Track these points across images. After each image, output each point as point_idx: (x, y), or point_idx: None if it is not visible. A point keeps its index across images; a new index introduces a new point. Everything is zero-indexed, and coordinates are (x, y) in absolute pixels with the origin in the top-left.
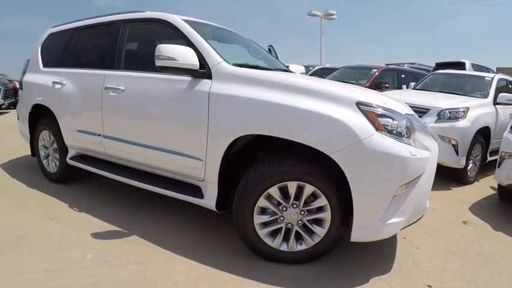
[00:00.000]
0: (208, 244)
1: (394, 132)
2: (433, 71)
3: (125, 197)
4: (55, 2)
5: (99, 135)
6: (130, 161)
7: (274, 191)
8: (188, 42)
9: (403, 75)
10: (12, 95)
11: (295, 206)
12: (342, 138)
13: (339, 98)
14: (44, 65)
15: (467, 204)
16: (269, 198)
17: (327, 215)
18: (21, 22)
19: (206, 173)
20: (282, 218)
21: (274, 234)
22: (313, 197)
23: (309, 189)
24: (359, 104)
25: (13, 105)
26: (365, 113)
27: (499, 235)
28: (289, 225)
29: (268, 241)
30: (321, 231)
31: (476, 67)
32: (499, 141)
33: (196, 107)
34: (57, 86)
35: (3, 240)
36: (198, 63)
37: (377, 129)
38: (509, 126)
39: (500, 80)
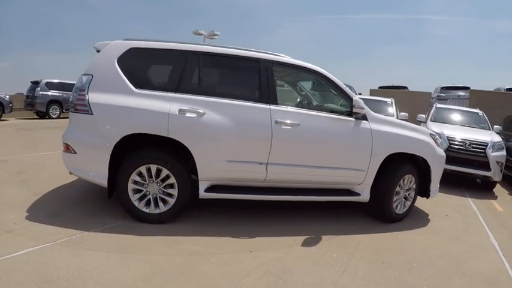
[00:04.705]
0: (343, 224)
1: (439, 144)
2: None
3: (234, 215)
4: None
5: (260, 163)
6: (293, 181)
7: (400, 181)
8: (345, 94)
9: None
10: None
11: (403, 187)
12: (429, 150)
13: (424, 131)
14: (137, 87)
15: None
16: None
17: (413, 190)
18: None
19: (365, 179)
20: (399, 195)
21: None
22: (410, 181)
23: (411, 177)
24: (430, 134)
25: None
26: (432, 138)
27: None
28: (401, 197)
29: (396, 210)
30: (410, 199)
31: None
32: None
33: (365, 137)
34: (190, 114)
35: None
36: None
37: (436, 145)
38: None
39: (394, 102)
